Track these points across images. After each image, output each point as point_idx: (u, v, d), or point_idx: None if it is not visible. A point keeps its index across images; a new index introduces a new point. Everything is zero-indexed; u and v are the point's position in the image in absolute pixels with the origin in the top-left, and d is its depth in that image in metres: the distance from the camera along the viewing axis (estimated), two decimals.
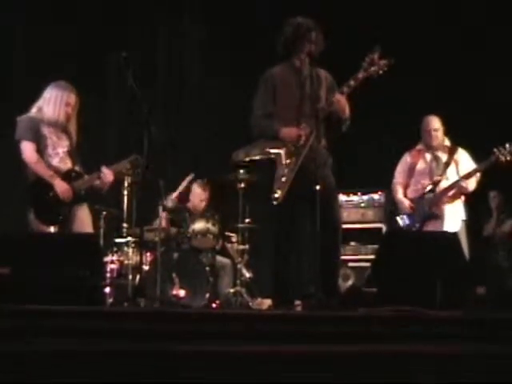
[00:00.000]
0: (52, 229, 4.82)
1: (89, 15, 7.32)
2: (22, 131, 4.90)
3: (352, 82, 4.46)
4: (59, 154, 4.94)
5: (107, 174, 5.00)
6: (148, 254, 6.19)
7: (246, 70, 6.90)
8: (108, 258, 5.92)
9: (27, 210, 4.85)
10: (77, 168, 5.02)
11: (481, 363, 2.63)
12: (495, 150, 5.43)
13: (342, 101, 4.47)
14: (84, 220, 4.98)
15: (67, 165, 4.97)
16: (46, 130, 4.91)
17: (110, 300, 5.65)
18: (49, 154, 4.91)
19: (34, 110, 4.97)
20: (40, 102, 4.97)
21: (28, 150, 4.86)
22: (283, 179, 4.43)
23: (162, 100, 7.88)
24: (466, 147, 5.72)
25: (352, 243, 6.67)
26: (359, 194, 6.88)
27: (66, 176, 4.92)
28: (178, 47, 8.10)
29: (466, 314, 3.54)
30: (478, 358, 2.68)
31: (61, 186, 4.85)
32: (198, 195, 6.92)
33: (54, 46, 7.11)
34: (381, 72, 4.49)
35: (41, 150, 4.89)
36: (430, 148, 5.70)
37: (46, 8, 7.20)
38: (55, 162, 4.92)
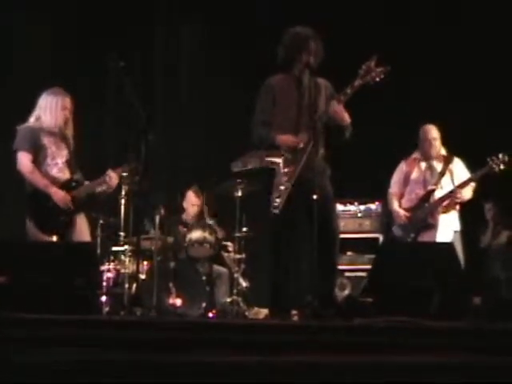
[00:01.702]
0: (51, 238, 4.81)
1: (89, 15, 7.33)
2: (20, 141, 4.91)
3: (349, 90, 4.48)
4: (58, 164, 4.95)
5: (113, 177, 5.00)
6: (145, 262, 6.18)
7: (246, 70, 6.94)
8: (104, 267, 5.90)
9: (26, 219, 4.84)
10: (76, 176, 5.02)
11: (478, 374, 2.63)
12: (489, 159, 5.44)
13: (338, 109, 4.48)
14: (82, 229, 4.98)
15: (66, 175, 4.97)
16: (45, 140, 4.92)
17: (107, 309, 5.63)
18: (47, 164, 4.91)
19: (32, 120, 4.97)
20: (37, 111, 4.98)
21: (23, 160, 4.87)
22: (282, 188, 4.44)
23: (161, 101, 7.89)
24: (462, 155, 5.72)
25: (349, 253, 6.67)
26: (356, 203, 6.88)
27: (65, 186, 4.92)
28: (178, 47, 8.11)
29: (462, 325, 3.55)
30: (474, 368, 2.68)
31: (58, 195, 4.85)
32: (191, 201, 6.93)
33: (54, 46, 7.13)
34: (377, 79, 4.50)
35: (40, 160, 4.90)
36: (427, 157, 5.71)
37: (46, 8, 7.22)
38: (54, 172, 4.92)
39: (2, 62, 6.96)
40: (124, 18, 7.47)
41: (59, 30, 7.21)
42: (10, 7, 7.03)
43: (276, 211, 4.40)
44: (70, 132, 5.07)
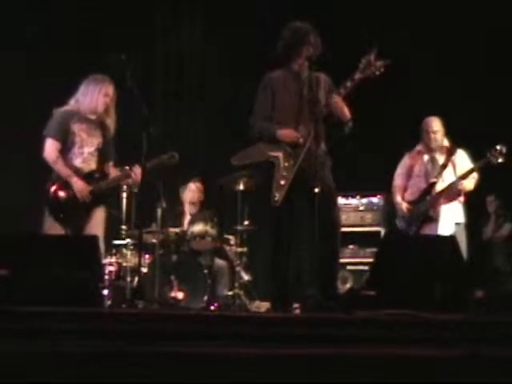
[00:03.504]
0: (66, 229, 4.78)
1: (89, 15, 7.32)
2: (50, 127, 4.87)
3: (349, 84, 4.47)
4: (84, 153, 4.89)
5: (137, 173, 4.95)
6: (146, 256, 6.18)
7: (245, 70, 6.93)
8: (106, 260, 5.91)
9: (43, 209, 4.81)
10: (102, 168, 4.95)
11: (480, 366, 2.63)
12: (487, 151, 5.42)
13: (338, 102, 4.47)
14: (98, 223, 4.92)
15: (90, 166, 4.92)
16: (76, 127, 4.86)
17: (108, 302, 5.64)
18: (73, 153, 4.87)
19: (71, 103, 4.93)
20: (78, 95, 4.93)
21: (50, 147, 4.84)
22: (282, 182, 4.44)
23: (161, 100, 7.89)
24: (465, 147, 5.70)
25: (351, 246, 6.67)
26: (358, 197, 6.88)
27: (87, 177, 4.87)
28: (178, 47, 8.11)
29: (465, 318, 3.55)
30: (477, 360, 2.67)
31: (78, 185, 4.81)
32: (192, 191, 6.92)
33: (54, 47, 7.12)
34: (377, 73, 4.49)
35: (67, 148, 4.85)
36: (429, 150, 5.70)
37: (46, 8, 7.20)
38: (78, 162, 4.88)
39: (2, 63, 6.95)
40: (124, 18, 7.46)
41: (59, 29, 7.19)
42: (9, 7, 7.01)
43: (275, 205, 4.40)
44: (110, 120, 5.00)
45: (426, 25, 7.20)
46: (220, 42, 7.67)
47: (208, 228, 6.34)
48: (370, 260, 5.85)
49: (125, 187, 5.76)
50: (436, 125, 5.66)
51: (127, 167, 4.94)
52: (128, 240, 5.94)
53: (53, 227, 4.76)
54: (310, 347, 2.84)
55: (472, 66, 7.07)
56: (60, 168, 4.82)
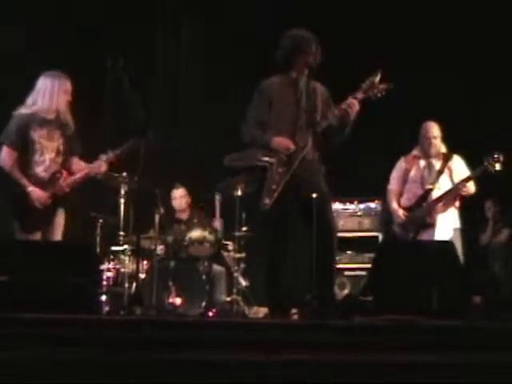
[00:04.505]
0: (33, 237, 4.73)
1: (89, 15, 7.33)
2: (7, 133, 4.77)
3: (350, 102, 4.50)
4: (45, 161, 4.79)
5: (99, 164, 4.90)
6: (145, 262, 6.18)
7: (245, 71, 6.94)
8: (104, 266, 5.91)
9: (11, 217, 4.77)
10: (70, 162, 4.88)
11: (477, 372, 2.64)
12: (484, 160, 5.41)
13: (355, 105, 4.48)
14: (58, 227, 4.86)
15: (51, 173, 4.81)
16: (36, 135, 4.77)
17: (107, 308, 5.64)
18: (35, 161, 4.77)
19: (29, 103, 4.81)
20: (34, 95, 4.81)
21: (5, 156, 4.75)
22: (273, 187, 4.42)
23: (160, 100, 7.90)
24: (462, 153, 5.71)
25: (348, 252, 6.66)
26: (356, 202, 6.87)
27: (50, 182, 4.79)
28: (178, 47, 8.13)
29: (462, 323, 3.55)
30: (474, 367, 2.68)
31: (35, 194, 4.72)
32: (176, 198, 6.93)
33: (54, 46, 7.14)
34: (379, 95, 4.52)
35: (27, 155, 4.76)
36: (426, 155, 5.70)
37: (46, 8, 7.22)
38: (39, 170, 4.78)
39: (2, 62, 6.96)
40: (124, 18, 7.47)
41: (59, 29, 7.20)
42: (10, 7, 7.02)
43: (265, 209, 4.40)
44: (69, 116, 4.90)
45: (426, 28, 7.22)
46: (220, 46, 7.68)
47: (206, 234, 6.34)
48: (368, 266, 5.85)
49: (122, 192, 5.77)
50: (435, 130, 5.66)
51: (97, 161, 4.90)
52: (126, 246, 5.94)
53: (21, 237, 4.70)
54: (307, 353, 2.85)
55: (472, 70, 7.08)
56: (15, 177, 4.72)
